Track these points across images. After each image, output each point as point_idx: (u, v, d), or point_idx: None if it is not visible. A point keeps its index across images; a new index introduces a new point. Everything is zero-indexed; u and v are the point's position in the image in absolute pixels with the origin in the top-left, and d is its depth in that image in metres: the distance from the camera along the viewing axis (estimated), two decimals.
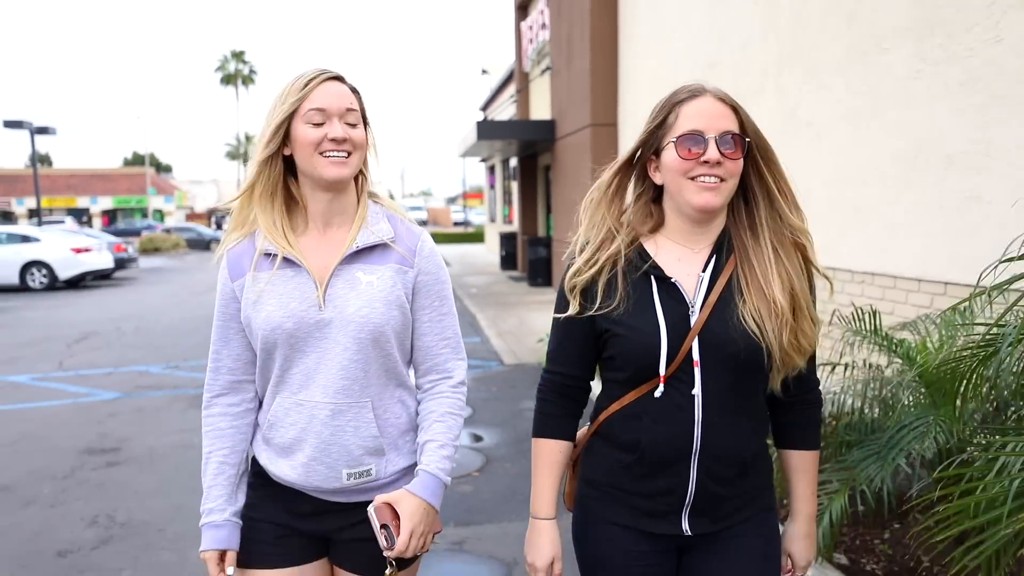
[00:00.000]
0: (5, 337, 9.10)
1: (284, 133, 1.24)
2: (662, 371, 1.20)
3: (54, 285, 15.09)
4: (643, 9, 8.96)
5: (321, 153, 1.24)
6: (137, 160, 53.33)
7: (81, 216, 35.79)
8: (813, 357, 1.29)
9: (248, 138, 48.08)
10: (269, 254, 1.29)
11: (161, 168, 54.13)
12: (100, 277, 16.65)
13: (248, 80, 48.05)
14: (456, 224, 44.84)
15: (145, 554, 3.03)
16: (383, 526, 1.21)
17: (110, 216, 40.15)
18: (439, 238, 31.42)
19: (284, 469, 1.34)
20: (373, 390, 1.33)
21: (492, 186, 23.24)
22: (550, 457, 1.33)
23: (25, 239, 15.61)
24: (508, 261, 17.08)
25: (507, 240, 17.33)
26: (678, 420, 1.22)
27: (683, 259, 1.26)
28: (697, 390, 1.21)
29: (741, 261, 1.24)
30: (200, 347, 6.98)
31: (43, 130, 20.41)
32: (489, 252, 22.58)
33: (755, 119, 1.25)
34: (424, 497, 1.25)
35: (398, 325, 1.34)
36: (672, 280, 1.22)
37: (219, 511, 1.29)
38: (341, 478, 1.31)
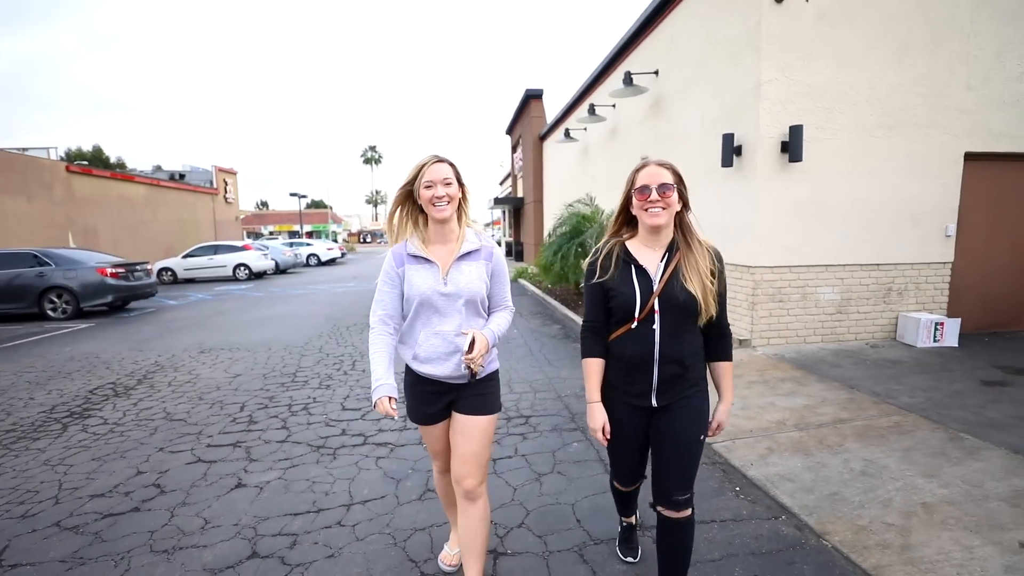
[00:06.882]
0: (317, 276, 19.95)
1: (410, 189, 1.82)
2: (636, 315, 1.67)
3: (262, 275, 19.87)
4: (550, 162, 18.15)
5: (433, 204, 1.80)
6: (317, 204, 79.52)
7: (296, 235, 51.70)
8: (723, 312, 1.74)
9: (377, 192, 78.16)
10: (415, 255, 1.88)
11: (329, 207, 79.69)
12: (329, 262, 27.69)
13: (377, 161, 70.62)
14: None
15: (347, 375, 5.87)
16: (470, 347, 1.78)
17: (310, 234, 58.24)
18: None
19: (428, 369, 1.91)
20: (471, 324, 1.90)
21: (504, 220, 34.40)
22: (594, 368, 1.80)
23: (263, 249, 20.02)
24: (507, 252, 25.54)
25: (507, 244, 26.85)
26: (646, 342, 1.68)
27: (648, 255, 1.71)
28: (656, 325, 1.67)
29: (682, 257, 1.70)
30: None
31: (303, 196, 35.14)
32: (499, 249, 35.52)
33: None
34: (487, 336, 1.87)
35: (485, 291, 1.93)
36: (642, 265, 1.70)
37: (386, 377, 1.82)
38: (461, 369, 1.89)
